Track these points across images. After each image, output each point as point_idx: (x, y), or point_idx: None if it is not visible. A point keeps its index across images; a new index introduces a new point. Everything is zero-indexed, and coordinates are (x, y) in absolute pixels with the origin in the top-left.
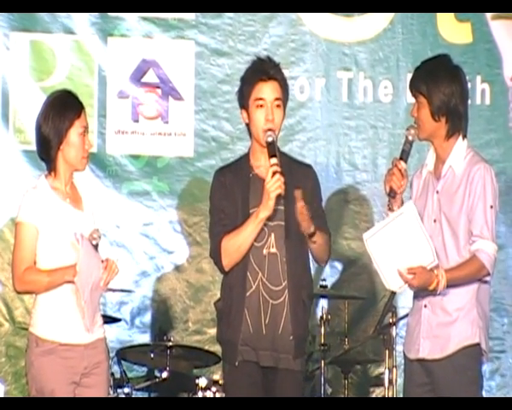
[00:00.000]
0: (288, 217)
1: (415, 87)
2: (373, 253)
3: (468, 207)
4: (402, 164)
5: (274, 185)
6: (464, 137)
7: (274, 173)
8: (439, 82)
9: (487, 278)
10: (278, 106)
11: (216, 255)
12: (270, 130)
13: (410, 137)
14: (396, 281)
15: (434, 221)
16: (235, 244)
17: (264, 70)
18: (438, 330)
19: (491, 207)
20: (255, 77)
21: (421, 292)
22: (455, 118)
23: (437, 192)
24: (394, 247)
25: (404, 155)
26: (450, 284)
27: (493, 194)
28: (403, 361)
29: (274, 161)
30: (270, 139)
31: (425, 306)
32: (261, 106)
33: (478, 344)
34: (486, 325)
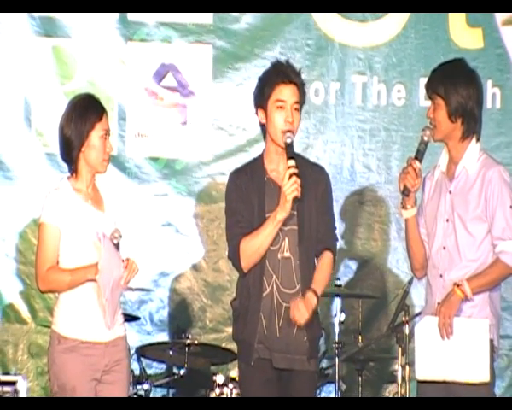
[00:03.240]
0: (300, 221)
1: (432, 88)
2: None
3: (487, 209)
4: (417, 163)
5: (291, 188)
6: (478, 139)
7: (291, 175)
8: (457, 84)
9: None
10: (297, 109)
11: (235, 257)
12: (289, 131)
13: (426, 138)
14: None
15: (447, 221)
16: (254, 246)
17: (285, 73)
18: None
19: (511, 206)
20: (277, 79)
21: (460, 306)
22: (470, 120)
23: (450, 192)
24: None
25: (419, 155)
26: (479, 291)
27: (511, 194)
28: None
29: (292, 162)
30: (289, 140)
31: (438, 303)
32: (281, 107)
33: (491, 341)
34: (498, 323)
